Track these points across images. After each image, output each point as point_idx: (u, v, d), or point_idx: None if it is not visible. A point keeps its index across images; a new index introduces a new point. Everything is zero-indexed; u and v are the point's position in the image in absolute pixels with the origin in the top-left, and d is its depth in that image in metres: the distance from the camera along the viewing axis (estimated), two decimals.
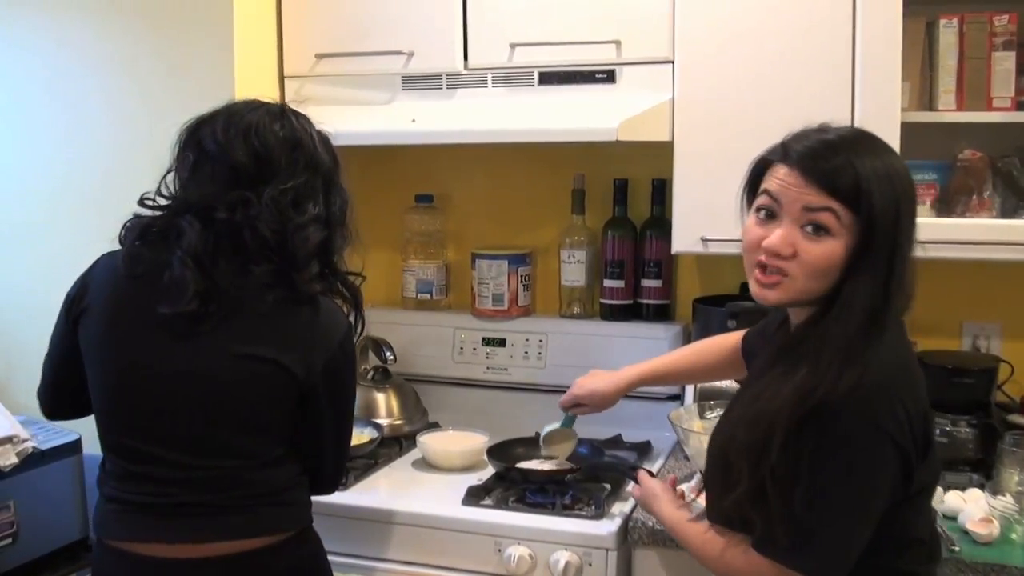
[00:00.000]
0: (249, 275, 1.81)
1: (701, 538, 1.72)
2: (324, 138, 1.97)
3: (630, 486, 2.11)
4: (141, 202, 1.91)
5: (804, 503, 1.53)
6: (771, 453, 1.54)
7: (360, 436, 2.63)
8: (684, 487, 1.94)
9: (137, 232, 1.88)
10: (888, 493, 1.54)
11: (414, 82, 2.68)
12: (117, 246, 1.95)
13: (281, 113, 1.92)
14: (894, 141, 2.22)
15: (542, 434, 2.44)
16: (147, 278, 1.82)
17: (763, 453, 1.55)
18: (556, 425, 2.42)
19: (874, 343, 1.53)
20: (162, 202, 1.90)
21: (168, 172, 1.90)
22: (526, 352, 2.91)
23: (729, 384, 2.37)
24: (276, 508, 1.88)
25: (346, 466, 2.11)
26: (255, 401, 1.84)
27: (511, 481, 2.41)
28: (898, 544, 1.62)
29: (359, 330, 2.02)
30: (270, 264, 1.82)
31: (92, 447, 2.57)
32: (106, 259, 1.92)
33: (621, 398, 2.31)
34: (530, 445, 2.55)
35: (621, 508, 2.26)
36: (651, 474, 2.08)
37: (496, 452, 2.52)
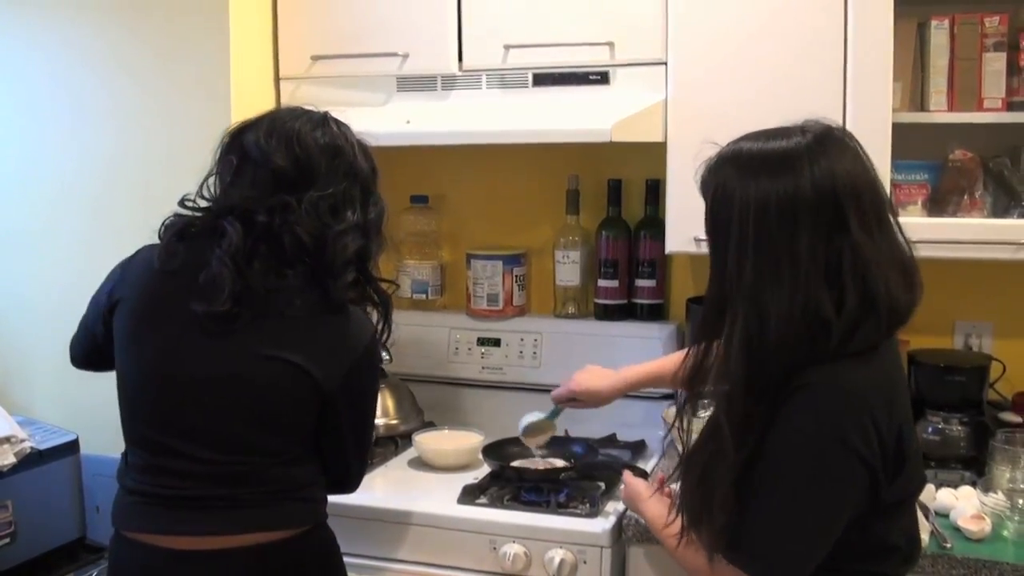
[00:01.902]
0: (283, 278, 1.85)
1: (675, 539, 1.71)
2: (363, 146, 2.00)
3: (622, 485, 2.12)
4: (182, 203, 1.95)
5: (764, 513, 1.54)
6: (724, 461, 1.55)
7: None
8: (675, 486, 1.95)
9: (176, 229, 1.91)
10: (851, 507, 1.54)
11: (409, 83, 2.69)
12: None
13: (323, 121, 1.96)
14: (885, 141, 2.25)
15: (523, 422, 2.45)
16: (182, 275, 1.86)
17: (717, 463, 1.57)
18: (540, 416, 2.44)
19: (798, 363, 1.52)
20: (202, 204, 1.94)
21: (209, 175, 1.94)
22: (521, 352, 2.92)
23: None
24: (293, 504, 1.91)
25: (366, 467, 2.13)
26: (278, 402, 1.87)
27: (506, 480, 2.42)
28: (871, 551, 1.61)
29: (386, 337, 2.04)
30: (304, 268, 1.86)
31: (90, 447, 2.60)
32: (146, 252, 1.96)
33: (617, 398, 2.33)
34: (522, 444, 2.57)
35: (615, 506, 2.28)
36: (644, 473, 2.10)
37: (491, 451, 2.54)
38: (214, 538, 1.83)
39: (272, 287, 1.84)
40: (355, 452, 2.02)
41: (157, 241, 1.93)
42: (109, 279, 2.00)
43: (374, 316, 2.01)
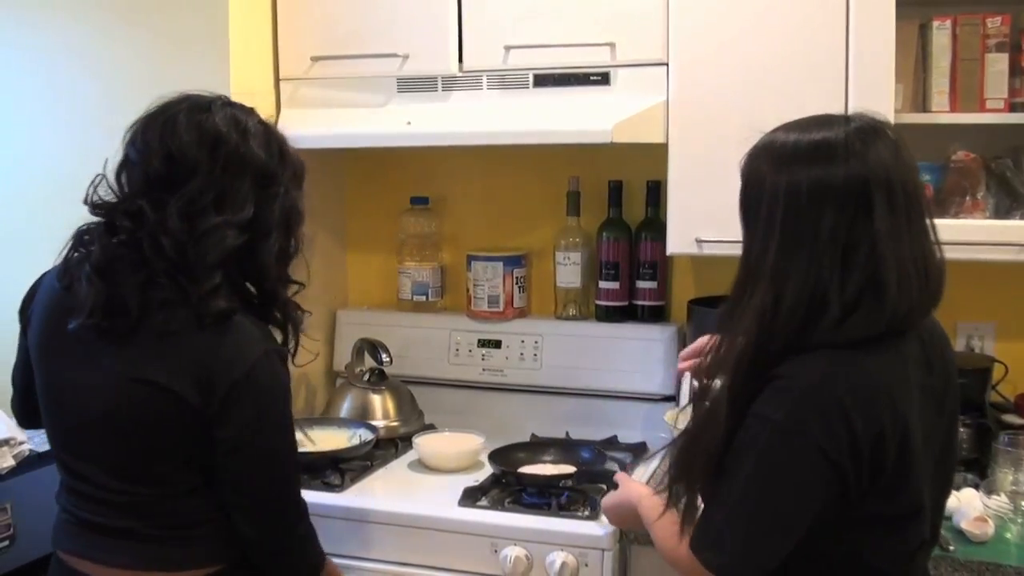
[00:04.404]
0: (154, 290, 1.70)
1: (656, 511, 1.69)
2: (268, 134, 1.83)
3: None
4: (94, 208, 1.83)
5: (720, 499, 1.53)
6: (714, 429, 1.55)
7: (354, 438, 2.65)
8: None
9: (72, 241, 1.82)
10: (814, 505, 1.49)
11: (409, 84, 2.69)
12: None
13: (208, 106, 1.78)
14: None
15: None
16: (70, 290, 1.76)
17: (707, 430, 1.58)
18: None
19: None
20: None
21: (97, 175, 1.84)
22: (521, 354, 2.91)
23: None
24: (196, 541, 1.78)
25: (288, 535, 1.85)
26: (154, 428, 1.73)
27: (507, 483, 2.42)
28: (849, 572, 1.56)
29: (292, 352, 1.85)
30: (172, 278, 1.70)
31: None
32: (53, 269, 1.87)
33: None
34: (529, 450, 2.56)
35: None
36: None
37: (498, 456, 2.52)
38: (122, 571, 1.76)
39: (144, 300, 1.70)
40: (254, 506, 1.79)
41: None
42: (22, 302, 1.93)
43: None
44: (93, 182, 1.83)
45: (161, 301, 1.70)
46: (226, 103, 1.82)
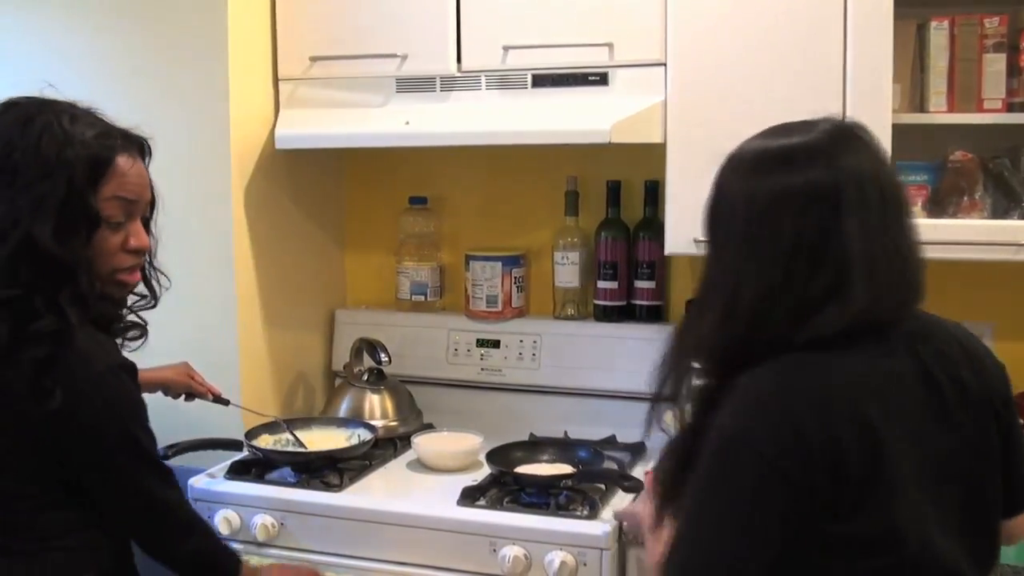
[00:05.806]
0: None
1: (649, 537, 1.67)
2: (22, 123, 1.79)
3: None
4: None
5: (685, 512, 1.48)
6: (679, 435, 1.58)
7: (353, 438, 2.66)
8: None
9: None
10: (772, 520, 1.40)
11: (408, 84, 2.69)
12: None
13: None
14: (885, 142, 2.23)
15: None
16: None
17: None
18: None
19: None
20: None
21: None
22: (520, 353, 2.92)
23: None
24: (61, 553, 1.75)
25: (168, 552, 1.88)
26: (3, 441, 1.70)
27: (506, 483, 2.42)
28: None
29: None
30: None
31: None
32: None
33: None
34: (528, 449, 2.56)
35: (616, 508, 2.27)
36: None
37: (495, 456, 2.52)
38: None
39: None
40: (117, 521, 1.81)
41: None
42: None
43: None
44: None
45: None
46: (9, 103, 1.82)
